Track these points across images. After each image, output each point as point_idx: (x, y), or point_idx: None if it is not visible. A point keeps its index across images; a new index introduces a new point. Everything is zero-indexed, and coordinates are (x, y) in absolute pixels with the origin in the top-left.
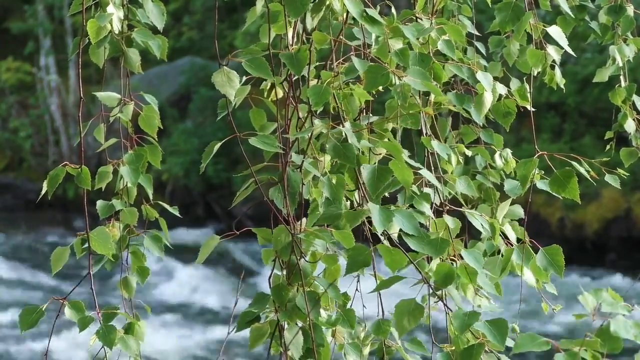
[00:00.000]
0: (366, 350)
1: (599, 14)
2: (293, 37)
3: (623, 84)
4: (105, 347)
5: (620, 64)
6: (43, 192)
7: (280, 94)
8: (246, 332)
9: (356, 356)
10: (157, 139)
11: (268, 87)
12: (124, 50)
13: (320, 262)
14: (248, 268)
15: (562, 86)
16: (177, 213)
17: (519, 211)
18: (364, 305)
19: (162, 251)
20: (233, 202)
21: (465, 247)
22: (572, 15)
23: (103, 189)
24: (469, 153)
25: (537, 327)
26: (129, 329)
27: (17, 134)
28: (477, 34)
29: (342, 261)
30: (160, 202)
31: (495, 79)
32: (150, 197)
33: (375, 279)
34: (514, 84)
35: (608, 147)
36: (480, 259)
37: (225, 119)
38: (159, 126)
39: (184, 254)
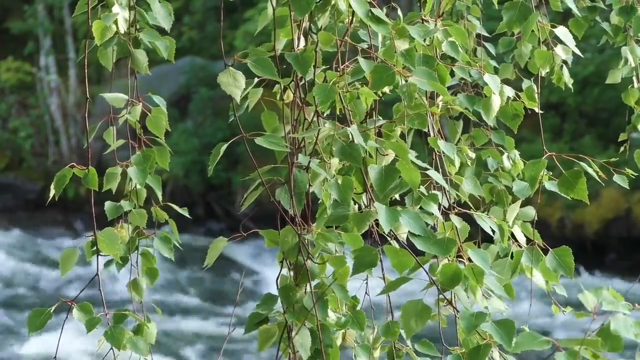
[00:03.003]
0: (376, 353)
1: (610, 15)
2: (299, 39)
3: (636, 84)
4: (113, 348)
5: (633, 65)
6: (51, 194)
7: (292, 97)
8: (242, 330)
9: (366, 358)
10: (164, 140)
11: (280, 90)
12: (131, 51)
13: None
14: (248, 268)
15: (570, 86)
16: (186, 214)
17: (531, 212)
18: (372, 307)
19: (172, 252)
20: (241, 205)
21: None
22: (580, 15)
23: (114, 191)
24: (472, 155)
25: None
26: (138, 331)
27: (17, 134)
28: (487, 34)
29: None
30: (170, 204)
31: (508, 81)
32: (160, 198)
33: (384, 280)
34: (526, 85)
35: (622, 148)
36: (487, 259)
37: (226, 119)
38: (167, 128)
39: (183, 253)
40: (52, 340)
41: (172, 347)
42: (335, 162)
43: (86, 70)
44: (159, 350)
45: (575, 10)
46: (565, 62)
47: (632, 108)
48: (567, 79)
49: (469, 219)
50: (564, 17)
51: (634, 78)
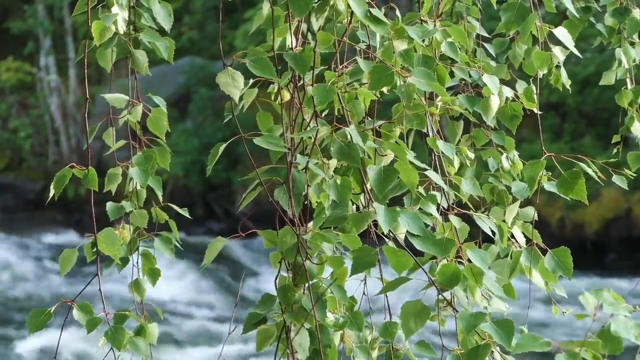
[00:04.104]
0: (374, 353)
1: (604, 16)
2: (297, 40)
3: (629, 86)
4: (114, 348)
5: (627, 67)
6: (51, 194)
7: (287, 97)
8: (242, 330)
9: (364, 359)
10: (165, 141)
11: (275, 90)
12: (131, 52)
13: (327, 265)
14: (248, 268)
15: (568, 87)
16: (187, 214)
17: (530, 213)
18: (370, 308)
19: (172, 253)
20: (240, 205)
21: None
22: (577, 16)
23: (113, 192)
24: (471, 156)
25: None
26: (139, 331)
27: (17, 134)
28: (487, 35)
29: (349, 264)
30: (170, 204)
31: (502, 81)
32: (160, 199)
33: (382, 281)
34: (520, 86)
35: (615, 150)
36: (486, 259)
37: (225, 119)
38: (167, 128)
39: (184, 253)
40: (54, 339)
41: (172, 348)
42: (333, 163)
43: (86, 71)
44: (158, 351)
45: (572, 10)
46: (559, 62)
47: (626, 110)
48: (565, 80)
49: (469, 220)
50: (563, 18)
51: (628, 80)
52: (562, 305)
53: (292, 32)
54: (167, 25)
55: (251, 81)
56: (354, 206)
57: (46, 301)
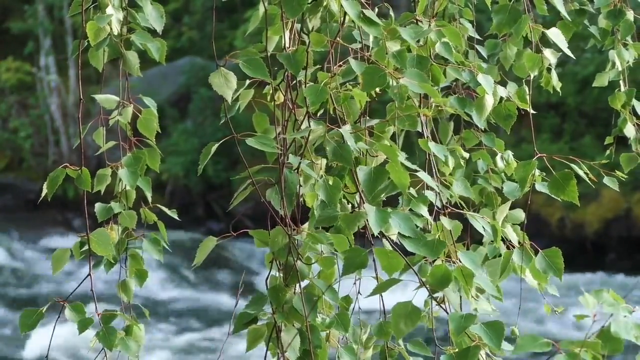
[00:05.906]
0: (369, 353)
1: (598, 18)
2: (290, 40)
3: (622, 88)
4: (105, 348)
5: (620, 69)
6: (43, 194)
7: (282, 98)
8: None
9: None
10: (155, 142)
11: (271, 91)
12: (122, 53)
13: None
14: (248, 268)
15: (558, 89)
16: (175, 216)
17: (520, 215)
18: (359, 308)
19: (161, 254)
20: (231, 204)
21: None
22: (569, 19)
23: (102, 191)
24: (466, 156)
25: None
26: (128, 331)
27: (17, 134)
28: (478, 37)
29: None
30: (159, 205)
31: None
32: (149, 200)
33: (377, 281)
34: (511, 87)
35: (608, 151)
36: (476, 261)
37: (222, 120)
38: (157, 130)
39: (183, 254)
40: (55, 338)
41: (171, 347)
42: (323, 163)
43: (80, 72)
44: (156, 350)
45: (564, 12)
46: (550, 65)
47: (619, 111)
48: (555, 82)
49: (461, 220)
50: (557, 20)
51: (621, 81)
52: (573, 307)
53: (285, 32)
54: (158, 27)
55: (247, 82)
56: (350, 205)
57: (45, 301)
